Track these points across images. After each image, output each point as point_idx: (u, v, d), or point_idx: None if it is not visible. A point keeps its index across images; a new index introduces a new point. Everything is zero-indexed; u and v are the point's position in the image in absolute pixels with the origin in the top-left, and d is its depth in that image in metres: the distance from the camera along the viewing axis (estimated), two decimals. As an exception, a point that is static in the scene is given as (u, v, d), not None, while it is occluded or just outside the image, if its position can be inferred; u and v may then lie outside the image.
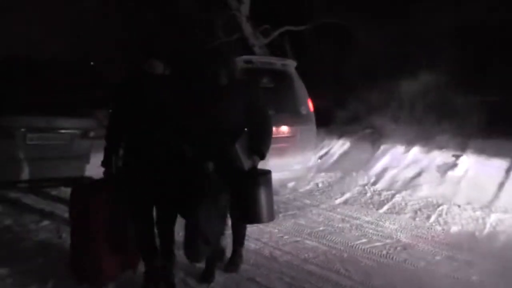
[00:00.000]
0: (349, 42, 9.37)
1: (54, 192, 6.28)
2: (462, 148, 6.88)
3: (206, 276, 3.72)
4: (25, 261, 3.97)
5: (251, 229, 5.06)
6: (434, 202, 6.02)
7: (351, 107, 8.21)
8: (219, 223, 3.50)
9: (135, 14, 11.76)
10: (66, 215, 5.30)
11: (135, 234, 3.47)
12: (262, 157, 3.55)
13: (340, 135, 8.54)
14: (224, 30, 10.81)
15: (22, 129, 5.71)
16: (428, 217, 5.66)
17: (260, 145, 3.54)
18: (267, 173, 3.55)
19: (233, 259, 4.00)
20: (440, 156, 6.87)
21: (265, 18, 10.63)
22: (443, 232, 5.18)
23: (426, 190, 6.34)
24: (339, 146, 8.37)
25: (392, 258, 4.36)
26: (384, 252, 4.50)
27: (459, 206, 5.80)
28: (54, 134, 5.78)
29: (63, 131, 5.78)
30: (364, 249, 4.55)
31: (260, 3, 10.45)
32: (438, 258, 4.40)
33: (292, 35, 10.94)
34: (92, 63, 7.27)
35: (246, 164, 3.46)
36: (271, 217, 3.58)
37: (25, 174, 5.70)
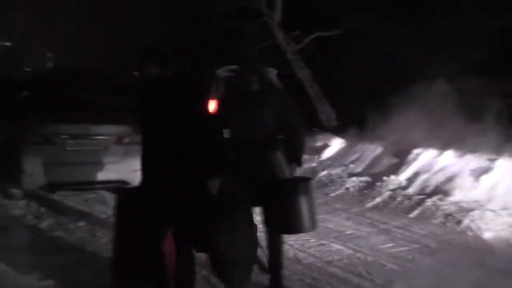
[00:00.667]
0: (378, 47, 9.34)
1: (91, 194, 6.57)
2: (498, 151, 6.74)
3: None
4: (63, 256, 4.23)
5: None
6: (466, 207, 5.93)
7: (382, 112, 8.19)
8: (248, 248, 3.17)
9: (169, 24, 12.12)
10: (102, 216, 5.61)
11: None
12: (299, 164, 3.53)
13: (372, 140, 8.51)
14: (256, 37, 10.97)
15: (63, 136, 6.10)
16: (459, 222, 5.58)
17: (296, 152, 3.50)
18: (307, 180, 3.54)
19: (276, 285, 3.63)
20: (474, 160, 6.76)
21: (296, 24, 10.72)
22: (474, 238, 5.12)
23: (458, 195, 6.25)
24: (371, 151, 8.35)
25: (418, 263, 4.35)
26: (410, 257, 4.49)
27: (493, 211, 5.69)
28: (91, 141, 6.12)
29: (99, 137, 6.10)
30: (389, 253, 4.57)
31: (291, 10, 10.55)
32: (467, 264, 4.34)
33: (323, 41, 10.98)
34: (135, 73, 7.57)
35: (287, 171, 3.42)
36: (313, 226, 3.37)
37: (65, 178, 6.05)
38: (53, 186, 6.29)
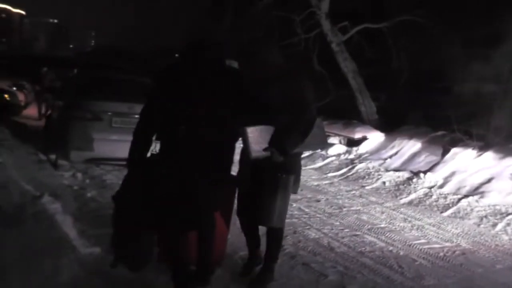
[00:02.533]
0: (427, 42, 9.21)
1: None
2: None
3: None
4: (103, 226, 4.45)
5: (314, 220, 5.32)
6: (503, 210, 5.89)
7: (424, 108, 8.13)
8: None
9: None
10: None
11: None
12: (282, 152, 3.16)
13: (412, 136, 8.47)
14: (303, 27, 11.01)
15: (109, 113, 6.43)
16: (495, 225, 5.56)
17: (283, 138, 3.16)
18: (288, 172, 3.26)
19: (262, 276, 3.49)
20: (515, 164, 6.67)
21: (344, 15, 10.69)
22: (509, 242, 5.09)
23: (495, 197, 6.20)
24: (409, 147, 8.32)
25: (449, 261, 4.38)
26: (441, 254, 4.53)
27: (531, 218, 5.63)
28: (134, 119, 6.34)
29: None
30: (421, 249, 4.61)
31: (339, 1, 10.52)
32: (498, 266, 4.35)
33: (371, 32, 10.91)
34: (177, 55, 7.79)
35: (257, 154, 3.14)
36: (281, 222, 3.32)
37: (110, 153, 6.33)
38: (97, 160, 6.62)
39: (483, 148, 7.25)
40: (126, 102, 6.38)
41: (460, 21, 8.22)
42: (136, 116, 3.27)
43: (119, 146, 6.33)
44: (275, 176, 3.21)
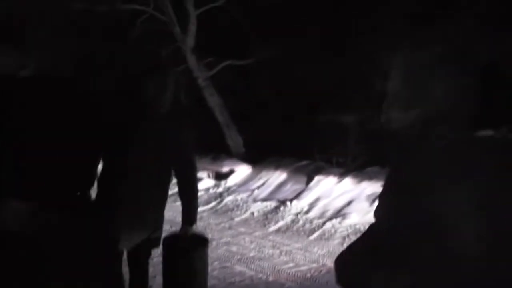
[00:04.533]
0: (290, 75, 9.64)
1: None
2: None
3: None
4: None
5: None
6: (362, 228, 6.23)
7: (291, 139, 8.46)
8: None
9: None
10: None
11: None
12: (192, 223, 2.91)
13: (278, 166, 8.73)
14: (170, 61, 10.92)
15: None
16: (356, 243, 5.83)
17: (188, 209, 2.92)
18: (203, 243, 2.96)
19: None
20: (370, 187, 7.15)
21: (211, 50, 10.83)
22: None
23: (355, 218, 6.55)
24: (276, 177, 8.54)
25: (315, 280, 4.49)
26: (309, 275, 4.62)
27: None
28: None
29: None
30: (289, 273, 4.66)
31: (205, 36, 10.66)
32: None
33: (240, 67, 11.13)
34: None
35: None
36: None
37: None
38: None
39: (343, 174, 7.70)
40: None
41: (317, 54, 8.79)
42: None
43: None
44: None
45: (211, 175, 9.42)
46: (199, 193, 8.84)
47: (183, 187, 2.92)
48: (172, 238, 2.94)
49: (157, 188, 2.88)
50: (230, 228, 6.68)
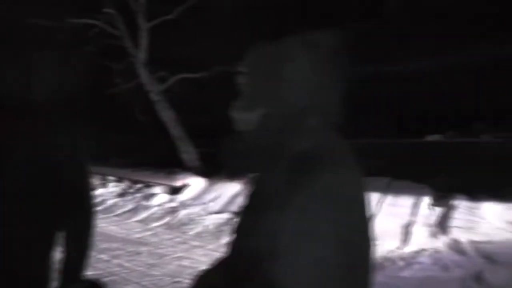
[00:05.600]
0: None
1: None
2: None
3: None
4: None
5: (134, 273, 5.11)
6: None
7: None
8: None
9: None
10: None
11: None
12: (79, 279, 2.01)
13: (231, 179, 8.79)
14: (124, 76, 10.86)
15: None
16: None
17: (76, 261, 1.98)
18: None
19: None
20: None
21: (163, 64, 10.82)
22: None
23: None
24: (229, 189, 8.60)
25: None
26: None
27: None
28: None
29: None
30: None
31: (158, 50, 10.65)
32: None
33: (196, 80, 11.13)
34: None
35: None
36: None
37: None
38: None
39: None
40: None
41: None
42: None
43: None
44: None
45: (165, 190, 9.39)
46: (152, 209, 8.87)
47: (74, 232, 2.00)
48: None
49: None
50: (184, 242, 6.67)
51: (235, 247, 1.27)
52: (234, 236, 1.29)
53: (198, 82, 11.03)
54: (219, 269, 1.34)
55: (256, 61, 1.26)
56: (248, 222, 1.21)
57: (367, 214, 1.15)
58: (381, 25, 8.87)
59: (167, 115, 10.74)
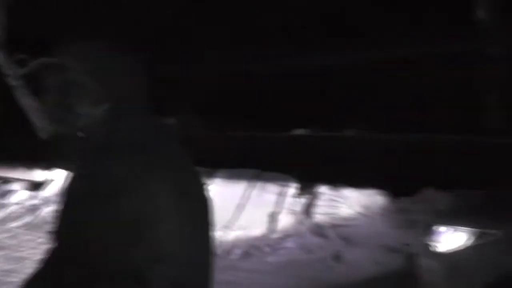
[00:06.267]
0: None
1: None
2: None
3: None
4: None
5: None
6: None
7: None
8: None
9: None
10: None
11: None
12: None
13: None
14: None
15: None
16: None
17: None
18: None
19: None
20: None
21: (24, 46, 9.92)
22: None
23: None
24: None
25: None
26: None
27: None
28: None
29: None
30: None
31: (18, 30, 9.74)
32: None
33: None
34: None
35: None
36: None
37: None
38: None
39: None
40: None
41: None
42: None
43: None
44: None
45: (26, 186, 8.73)
46: (10, 208, 8.24)
47: None
48: None
49: None
50: (47, 243, 6.26)
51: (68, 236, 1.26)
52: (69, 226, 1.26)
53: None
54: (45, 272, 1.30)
55: (95, 58, 1.36)
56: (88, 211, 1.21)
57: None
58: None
59: (27, 103, 9.93)
